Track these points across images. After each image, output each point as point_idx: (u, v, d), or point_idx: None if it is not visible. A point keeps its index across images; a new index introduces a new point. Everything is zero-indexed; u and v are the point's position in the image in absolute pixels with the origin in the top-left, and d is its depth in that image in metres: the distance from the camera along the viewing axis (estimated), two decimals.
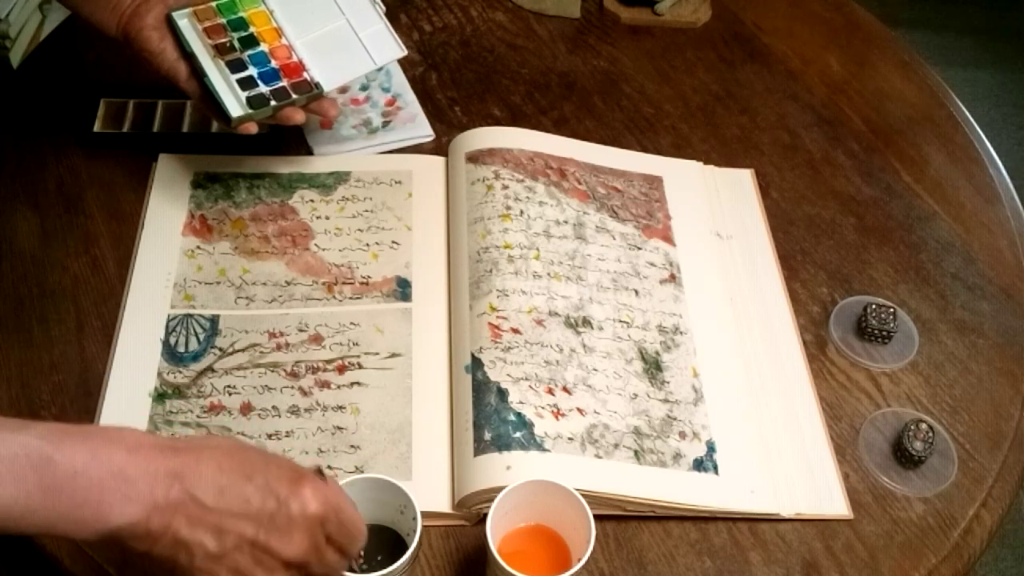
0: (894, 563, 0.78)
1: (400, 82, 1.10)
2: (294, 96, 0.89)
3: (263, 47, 0.91)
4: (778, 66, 1.17)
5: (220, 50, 0.88)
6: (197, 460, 0.58)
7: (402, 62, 1.12)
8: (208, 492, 0.58)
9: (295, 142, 1.03)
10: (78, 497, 0.55)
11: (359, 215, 0.97)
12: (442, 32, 1.18)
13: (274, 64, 0.90)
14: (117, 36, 0.88)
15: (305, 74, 0.90)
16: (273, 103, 0.88)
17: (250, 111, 0.87)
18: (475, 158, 0.98)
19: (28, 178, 0.99)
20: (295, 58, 0.91)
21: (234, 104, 0.87)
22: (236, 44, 0.90)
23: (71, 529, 0.55)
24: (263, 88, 0.88)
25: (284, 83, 0.89)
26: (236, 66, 0.89)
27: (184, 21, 0.88)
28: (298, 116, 0.90)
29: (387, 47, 0.93)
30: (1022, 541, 1.65)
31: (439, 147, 1.04)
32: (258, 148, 1.02)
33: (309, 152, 1.02)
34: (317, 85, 0.90)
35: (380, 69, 0.94)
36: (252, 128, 0.88)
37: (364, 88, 1.09)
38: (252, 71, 0.89)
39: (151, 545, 0.57)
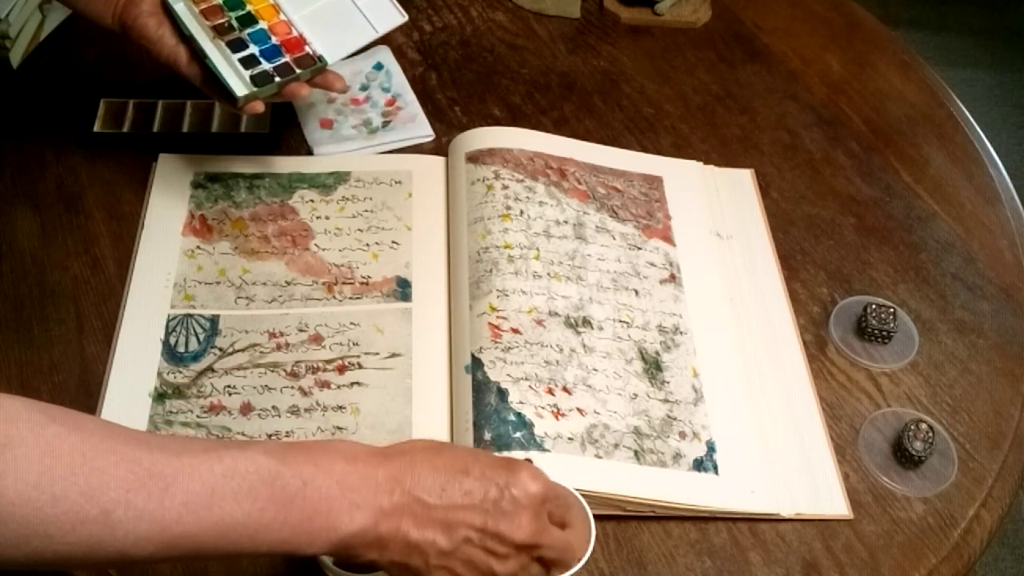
0: (894, 563, 0.78)
1: (400, 82, 1.10)
2: (298, 71, 0.89)
3: (262, 24, 0.91)
4: (778, 66, 1.17)
5: (219, 31, 0.88)
6: (411, 463, 0.58)
7: (402, 62, 1.12)
8: (430, 491, 0.58)
9: (295, 142, 1.03)
10: (308, 508, 0.55)
11: (359, 215, 0.97)
12: (442, 32, 1.18)
13: (275, 40, 0.90)
14: (114, 27, 0.88)
15: (307, 48, 0.90)
16: (277, 79, 0.88)
17: (255, 89, 0.87)
18: (475, 158, 0.98)
19: (28, 178, 0.99)
20: (295, 33, 0.91)
21: (238, 84, 0.87)
22: (234, 24, 0.90)
23: (303, 542, 0.55)
24: (266, 65, 0.88)
25: (287, 59, 0.89)
26: (236, 46, 0.88)
27: (180, 5, 0.87)
28: (303, 91, 0.89)
29: (387, 14, 0.93)
30: (1022, 541, 1.65)
31: (439, 147, 1.04)
32: (258, 148, 1.02)
33: (309, 152, 1.02)
34: (320, 58, 0.90)
35: (381, 36, 0.93)
36: (259, 107, 0.88)
37: (364, 88, 1.09)
38: (253, 49, 0.89)
39: (382, 551, 0.57)
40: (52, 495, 0.49)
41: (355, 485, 0.56)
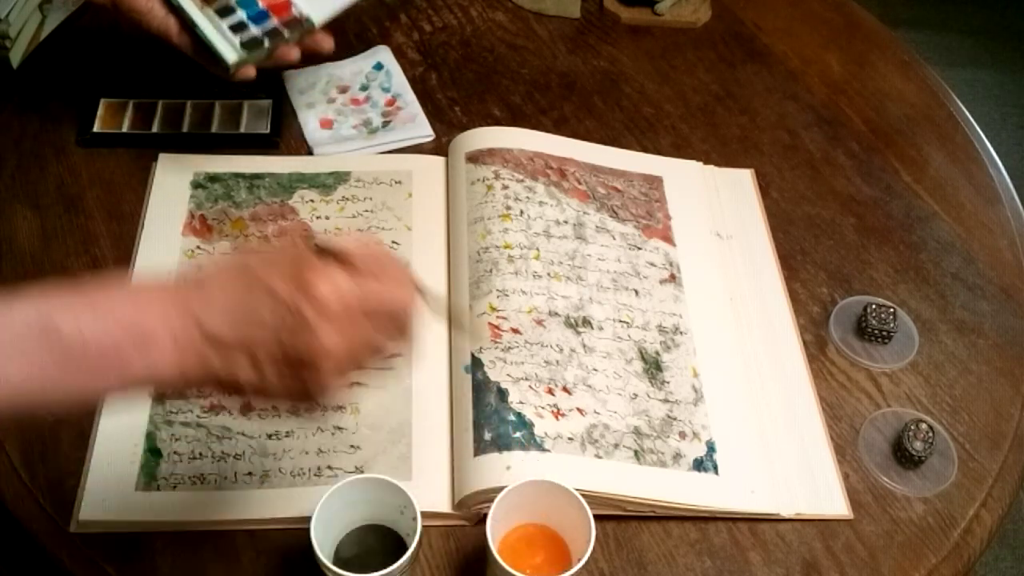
0: (894, 563, 0.78)
1: (400, 82, 1.10)
2: (286, 34, 0.90)
3: None
4: (778, 66, 1.17)
5: None
6: (206, 292, 0.56)
7: (402, 62, 1.12)
8: (223, 324, 0.54)
9: (295, 142, 1.03)
10: (93, 364, 0.51)
11: (359, 215, 0.97)
12: (442, 32, 1.18)
13: (262, 5, 0.91)
14: (104, 2, 0.88)
15: (293, 10, 0.91)
16: (267, 43, 0.89)
17: (245, 55, 0.88)
18: (475, 158, 0.98)
19: (28, 178, 0.98)
20: None
21: (228, 50, 0.88)
22: None
23: (99, 396, 0.53)
24: (255, 30, 0.89)
25: (275, 22, 0.90)
26: (225, 12, 0.89)
27: None
28: (293, 54, 0.91)
29: None
30: (1022, 541, 1.65)
31: (439, 147, 1.04)
32: (258, 148, 1.02)
33: (309, 152, 1.02)
34: (307, 20, 0.91)
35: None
36: (251, 72, 0.89)
37: (364, 88, 1.09)
38: (241, 14, 0.90)
39: (188, 384, 0.56)
40: None
41: (143, 326, 0.52)
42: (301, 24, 0.91)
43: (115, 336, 0.52)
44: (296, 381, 0.56)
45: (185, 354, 0.53)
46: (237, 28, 0.89)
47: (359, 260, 0.59)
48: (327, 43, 0.93)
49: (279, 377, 0.56)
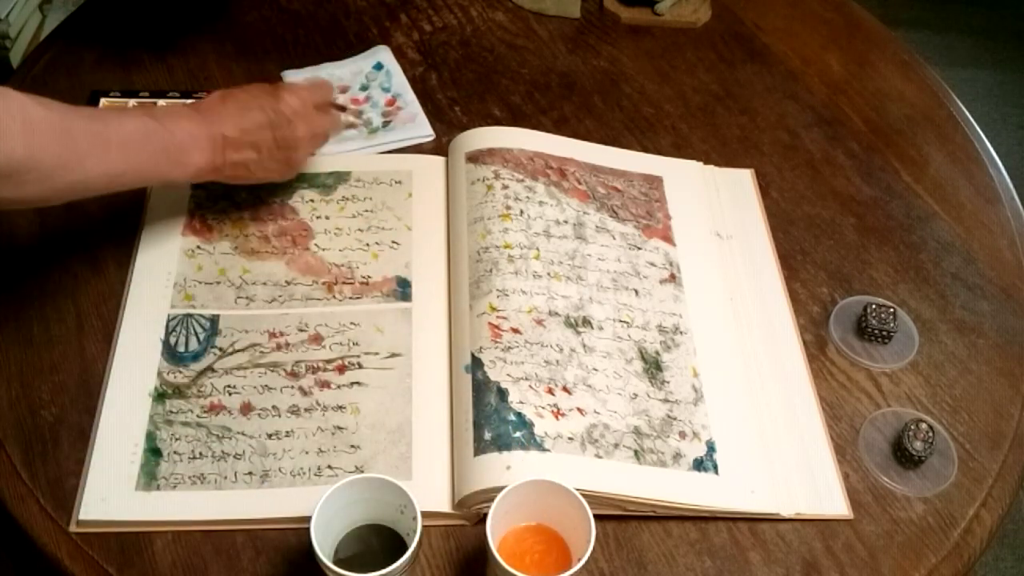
0: (894, 563, 0.78)
1: (400, 82, 1.10)
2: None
3: None
4: (778, 66, 1.17)
5: None
6: (219, 115, 0.86)
7: (402, 62, 1.12)
8: (234, 129, 0.86)
9: None
10: (176, 154, 0.83)
11: (359, 215, 0.97)
12: (442, 32, 1.18)
13: None
14: None
15: None
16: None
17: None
18: (475, 158, 0.98)
19: None
20: None
21: None
22: None
23: (175, 174, 0.85)
24: None
25: None
26: None
27: None
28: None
29: None
30: (1022, 541, 1.65)
31: (439, 147, 1.04)
32: None
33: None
34: None
35: None
36: None
37: (364, 88, 1.09)
38: None
39: (219, 173, 0.87)
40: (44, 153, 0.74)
41: (196, 134, 0.84)
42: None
43: (186, 140, 0.84)
44: (283, 156, 0.90)
45: (215, 152, 0.85)
46: None
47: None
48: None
49: (272, 158, 0.89)
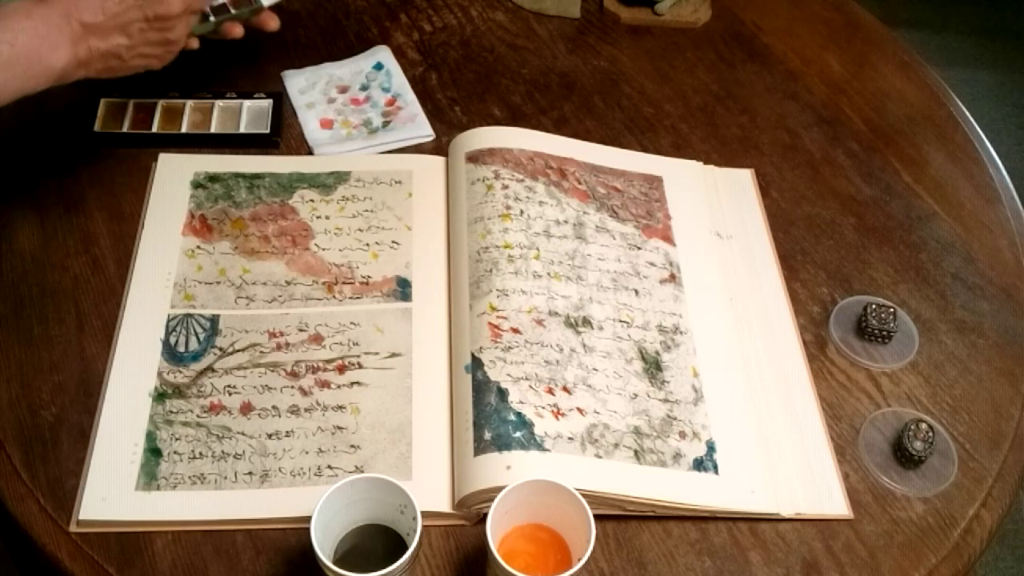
0: (894, 563, 0.78)
1: (400, 82, 1.10)
2: (233, 11, 0.97)
3: None
4: (778, 66, 1.17)
5: None
6: (71, 0, 0.78)
7: (402, 62, 1.12)
8: (96, 13, 0.78)
9: (295, 142, 1.03)
10: (24, 64, 0.76)
11: (359, 215, 0.97)
12: (442, 32, 1.18)
13: None
14: None
15: None
16: (212, 19, 0.95)
17: (192, 26, 0.93)
18: (475, 158, 0.98)
19: (28, 178, 0.98)
20: None
21: None
22: None
23: (34, 85, 0.77)
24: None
25: None
26: None
27: None
28: (237, 31, 0.98)
29: None
30: (1022, 541, 1.65)
31: (439, 147, 1.04)
32: (258, 148, 1.02)
33: (309, 152, 1.02)
34: (256, 0, 0.97)
35: None
36: (193, 43, 0.96)
37: (364, 88, 1.09)
38: None
39: (87, 68, 0.80)
40: None
41: (45, 32, 0.76)
42: (250, 3, 0.97)
43: (31, 44, 0.75)
44: (160, 37, 0.83)
45: (78, 46, 0.78)
46: None
47: None
48: (272, 23, 1.00)
49: (146, 41, 0.82)
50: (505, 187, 0.95)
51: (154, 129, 1.02)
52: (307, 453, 0.80)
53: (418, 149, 1.04)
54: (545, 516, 0.74)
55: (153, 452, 0.80)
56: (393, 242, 0.95)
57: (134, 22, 0.80)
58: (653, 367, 0.86)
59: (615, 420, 0.81)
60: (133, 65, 0.83)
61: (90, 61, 0.79)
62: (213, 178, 0.99)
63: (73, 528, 0.76)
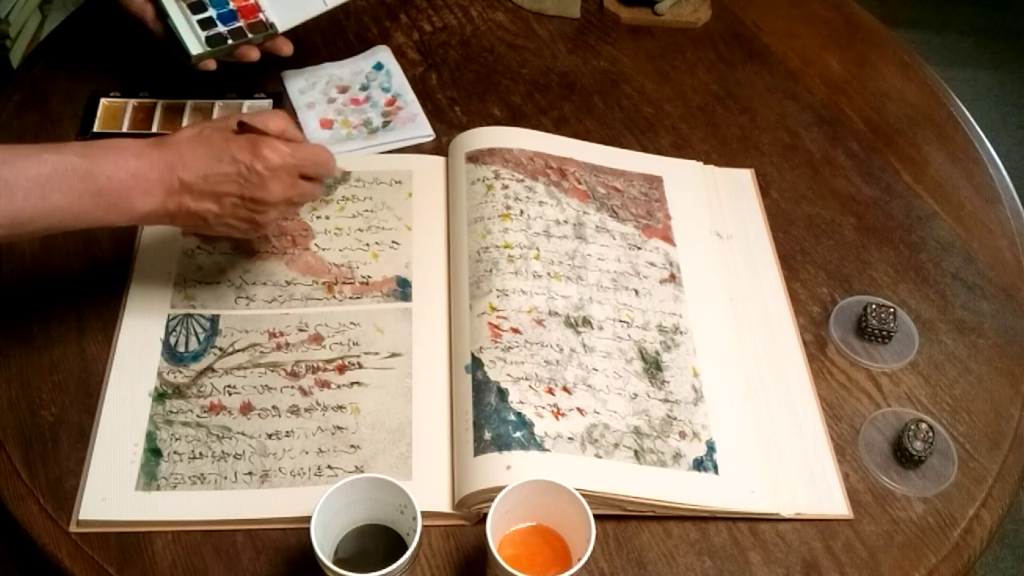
0: (894, 563, 0.78)
1: (400, 82, 1.10)
2: (249, 36, 0.99)
3: None
4: (778, 66, 1.17)
5: None
6: (180, 155, 0.78)
7: (402, 62, 1.12)
8: (196, 175, 0.78)
9: None
10: (112, 197, 0.75)
11: (359, 215, 0.97)
12: (442, 32, 1.18)
13: (232, 6, 1.01)
14: None
15: (260, 15, 1.00)
16: (230, 42, 0.98)
17: (208, 49, 0.97)
18: (475, 158, 0.98)
19: None
20: (251, 0, 1.00)
21: (194, 43, 0.97)
22: None
23: (112, 219, 0.76)
24: (221, 28, 0.98)
25: (240, 23, 0.99)
26: (197, 7, 0.99)
27: None
28: (253, 54, 1.00)
29: None
30: (1022, 541, 1.65)
31: (439, 147, 1.04)
32: None
33: None
34: (271, 25, 1.00)
35: (330, 10, 1.03)
36: (211, 65, 0.99)
37: (364, 88, 1.09)
38: (211, 12, 0.99)
39: (173, 220, 0.79)
40: None
41: (144, 176, 0.76)
42: (265, 28, 0.99)
43: (127, 182, 0.75)
44: (249, 215, 0.81)
45: (169, 199, 0.77)
46: (205, 24, 0.98)
47: (275, 134, 0.82)
48: (287, 48, 1.02)
49: (235, 216, 0.80)
50: (505, 187, 0.95)
51: (154, 129, 1.02)
52: (307, 453, 0.80)
53: (418, 149, 1.04)
54: (545, 516, 0.74)
55: (153, 452, 0.80)
56: (393, 242, 0.95)
57: (230, 195, 0.79)
58: (653, 367, 0.86)
59: (615, 420, 0.81)
60: (216, 231, 0.82)
61: (177, 216, 0.79)
62: None
63: (73, 528, 0.76)
